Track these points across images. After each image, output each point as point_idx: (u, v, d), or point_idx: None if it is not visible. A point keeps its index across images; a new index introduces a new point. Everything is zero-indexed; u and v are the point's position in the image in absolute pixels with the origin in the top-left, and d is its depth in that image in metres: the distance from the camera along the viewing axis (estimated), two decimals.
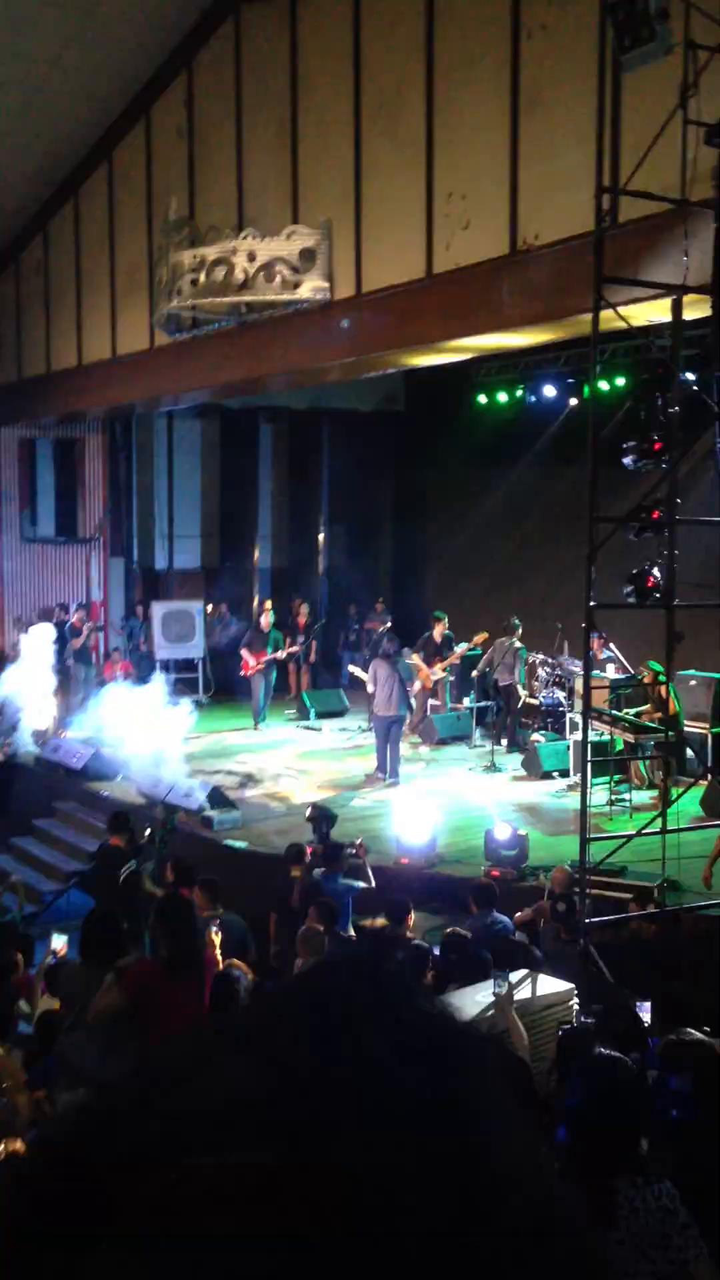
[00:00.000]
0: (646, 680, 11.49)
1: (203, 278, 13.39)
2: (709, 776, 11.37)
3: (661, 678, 11.22)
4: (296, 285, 12.80)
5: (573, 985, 7.28)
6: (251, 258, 12.93)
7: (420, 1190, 0.50)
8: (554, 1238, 0.52)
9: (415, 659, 15.57)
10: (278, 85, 13.37)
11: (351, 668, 16.33)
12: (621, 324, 8.26)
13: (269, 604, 17.60)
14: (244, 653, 16.64)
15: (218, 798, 12.55)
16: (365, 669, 14.98)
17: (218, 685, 18.59)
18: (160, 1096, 0.55)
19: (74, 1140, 0.55)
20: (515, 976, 6.96)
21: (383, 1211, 0.49)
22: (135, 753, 13.65)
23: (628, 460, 8.46)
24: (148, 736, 13.55)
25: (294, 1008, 0.60)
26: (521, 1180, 0.53)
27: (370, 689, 14.05)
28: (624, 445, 8.52)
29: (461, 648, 15.35)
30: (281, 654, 16.84)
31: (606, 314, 8.04)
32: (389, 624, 18.46)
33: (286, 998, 0.64)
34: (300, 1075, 0.54)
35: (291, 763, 14.98)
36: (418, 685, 15.36)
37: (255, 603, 19.46)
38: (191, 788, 12.64)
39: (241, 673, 16.78)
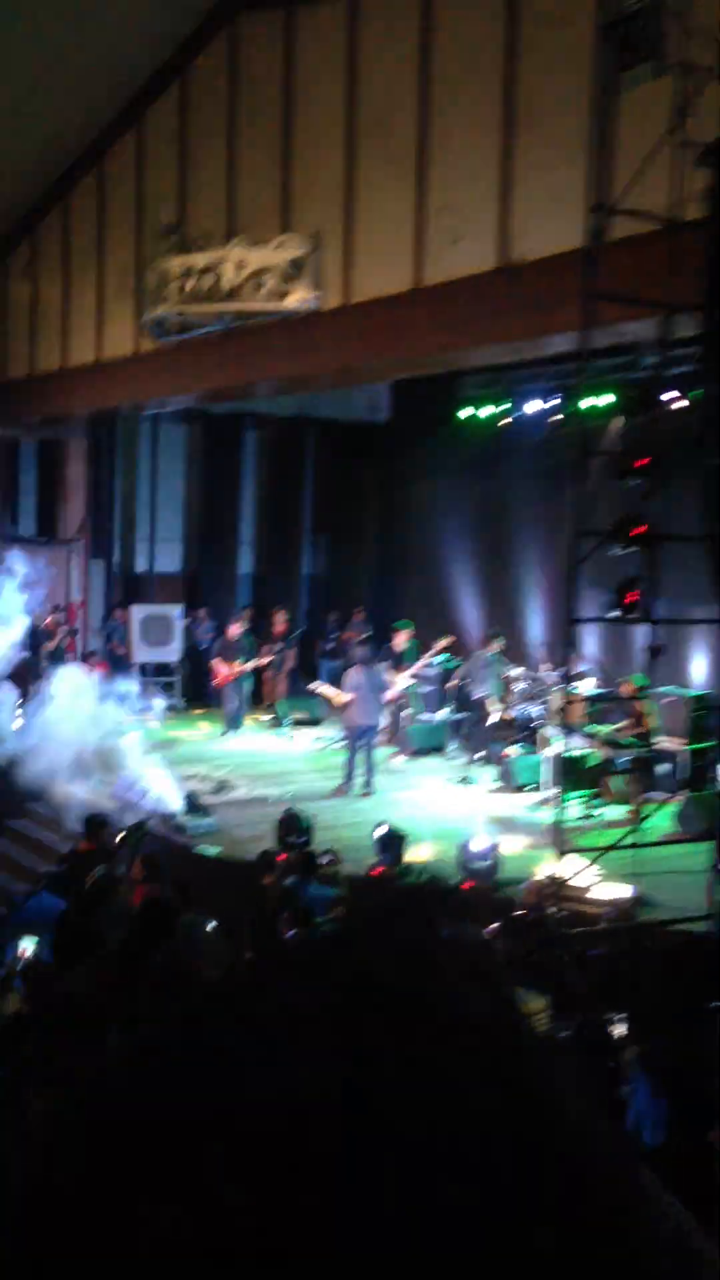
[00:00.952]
0: (626, 693, 11.53)
1: (191, 284, 13.43)
2: (684, 792, 11.43)
3: (643, 693, 11.28)
4: (284, 295, 12.84)
5: (545, 998, 7.28)
6: (240, 266, 12.97)
7: (483, 1117, 0.50)
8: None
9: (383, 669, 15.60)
10: (271, 95, 13.43)
11: (316, 685, 16.27)
12: (610, 341, 8.33)
13: (246, 614, 17.68)
14: (216, 662, 16.61)
15: (192, 803, 12.52)
16: (337, 680, 14.96)
17: (195, 690, 18.56)
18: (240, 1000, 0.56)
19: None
20: None
21: (445, 1148, 0.48)
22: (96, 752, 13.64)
23: (613, 476, 8.53)
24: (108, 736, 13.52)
25: (366, 935, 0.60)
26: (588, 1136, 0.52)
27: (346, 697, 13.99)
28: (610, 461, 8.58)
29: (424, 658, 15.34)
30: (250, 666, 16.79)
31: (595, 330, 8.11)
32: (368, 634, 18.49)
33: (357, 928, 0.64)
34: (373, 999, 0.54)
35: (266, 770, 14.96)
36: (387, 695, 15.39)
37: (247, 612, 19.51)
38: (166, 793, 12.61)
39: (214, 683, 16.76)
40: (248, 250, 13.04)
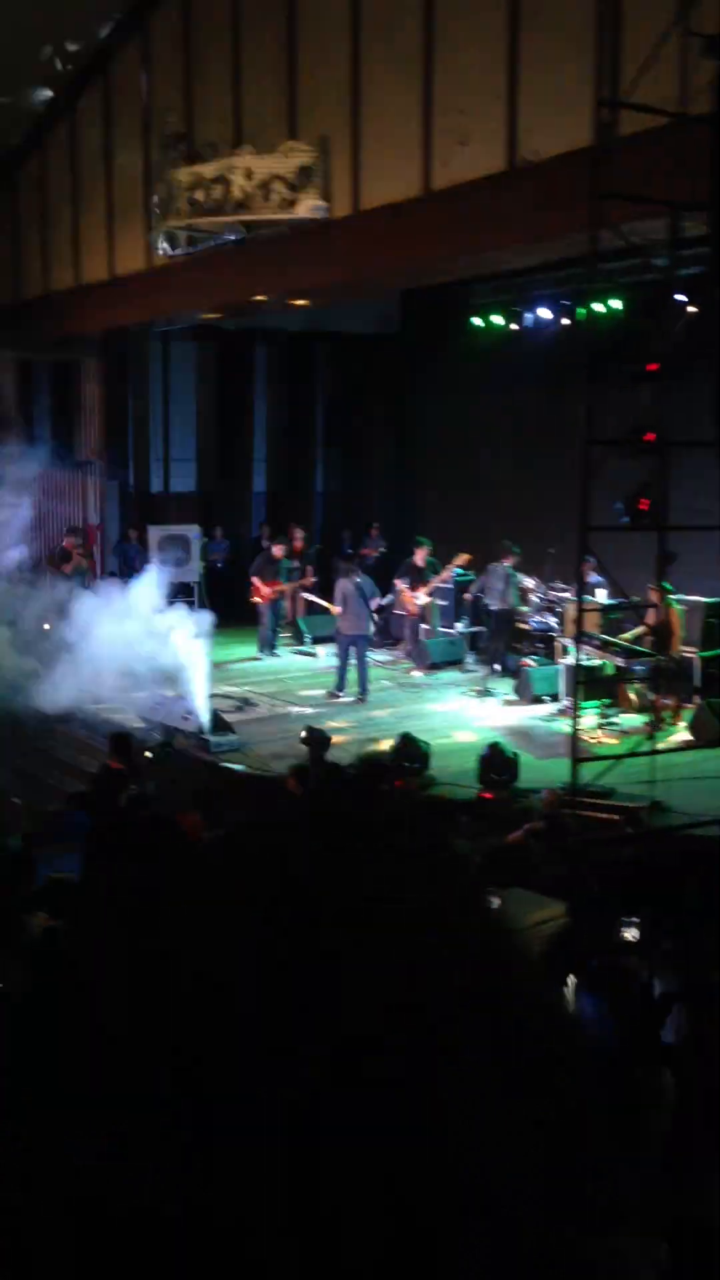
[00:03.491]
0: (655, 600, 11.41)
1: (200, 196, 13.22)
2: (697, 700, 11.45)
3: (670, 599, 11.21)
4: (293, 203, 12.63)
5: (562, 903, 7.41)
6: (249, 175, 12.74)
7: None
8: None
9: (400, 585, 15.69)
10: None
11: (309, 596, 16.73)
12: (620, 242, 8.18)
13: (300, 534, 17.80)
14: (255, 580, 16.57)
15: (216, 721, 12.65)
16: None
17: (213, 609, 18.57)
18: None
19: None
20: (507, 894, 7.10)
21: None
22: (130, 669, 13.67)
23: (623, 381, 8.42)
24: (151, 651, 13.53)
25: None
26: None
27: (337, 609, 14.35)
28: (619, 367, 8.47)
29: (445, 572, 15.45)
30: (292, 586, 16.93)
31: (605, 232, 7.95)
32: (383, 549, 18.49)
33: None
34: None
35: (287, 687, 15.10)
36: (407, 609, 15.61)
37: (264, 529, 19.50)
38: (190, 710, 12.72)
39: (252, 598, 16.71)
40: (255, 159, 12.80)
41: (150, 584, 14.89)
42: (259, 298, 14.81)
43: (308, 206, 12.56)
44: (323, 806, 0.72)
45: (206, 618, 14.04)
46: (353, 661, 14.20)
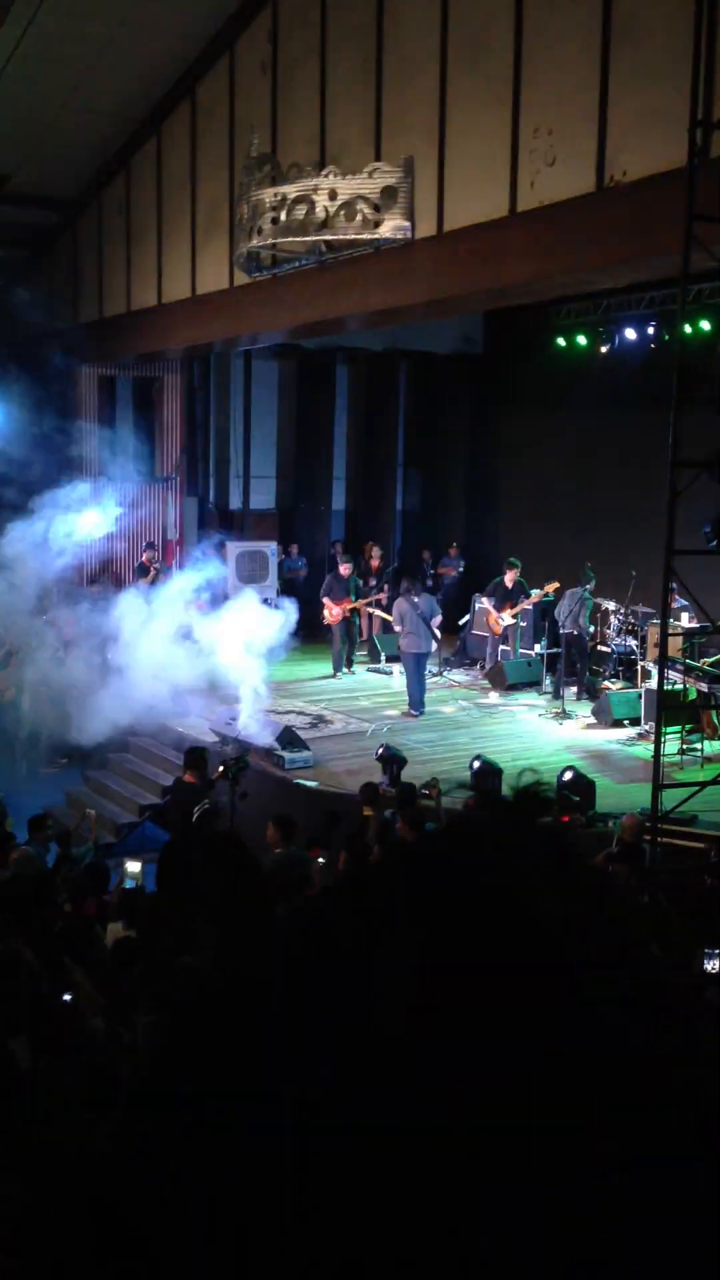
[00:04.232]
0: None
1: (283, 216, 13.31)
2: None
3: None
4: (377, 224, 12.66)
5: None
6: (333, 196, 12.80)
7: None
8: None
9: (486, 604, 15.66)
10: (363, 17, 13.15)
11: (375, 610, 16.66)
12: (711, 264, 8.08)
13: (373, 550, 17.83)
14: (325, 600, 16.60)
15: (289, 737, 12.68)
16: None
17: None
18: None
19: None
20: None
21: None
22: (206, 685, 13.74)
23: (713, 405, 8.31)
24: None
25: None
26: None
27: (396, 628, 14.51)
28: (709, 388, 8.37)
29: (534, 595, 15.39)
30: (363, 604, 16.92)
31: (696, 253, 7.86)
32: (462, 568, 18.44)
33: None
34: None
35: (362, 705, 15.09)
36: (490, 629, 15.57)
37: (336, 546, 19.51)
38: (262, 726, 12.77)
39: (326, 620, 16.72)
40: (340, 179, 12.87)
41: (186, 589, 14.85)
42: (340, 318, 14.86)
43: (391, 227, 12.59)
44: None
45: (281, 619, 13.79)
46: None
